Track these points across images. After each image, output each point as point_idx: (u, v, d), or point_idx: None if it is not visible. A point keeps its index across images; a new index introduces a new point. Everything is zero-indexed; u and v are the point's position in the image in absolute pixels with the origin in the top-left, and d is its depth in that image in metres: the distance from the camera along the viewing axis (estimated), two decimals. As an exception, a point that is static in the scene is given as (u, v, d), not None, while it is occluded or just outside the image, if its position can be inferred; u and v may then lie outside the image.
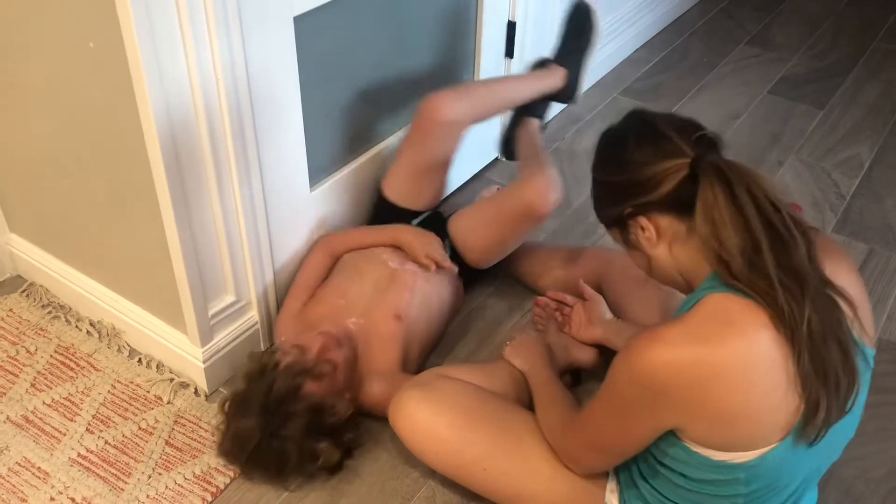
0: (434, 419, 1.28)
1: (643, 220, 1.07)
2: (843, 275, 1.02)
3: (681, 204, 1.03)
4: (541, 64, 1.82)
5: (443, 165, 1.71)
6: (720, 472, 1.02)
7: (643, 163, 1.04)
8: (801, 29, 3.00)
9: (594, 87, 2.59)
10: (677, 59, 2.76)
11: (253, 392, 1.35)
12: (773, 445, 0.99)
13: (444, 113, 1.61)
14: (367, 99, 1.72)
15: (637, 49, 2.80)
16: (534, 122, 1.80)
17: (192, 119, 1.30)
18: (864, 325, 1.02)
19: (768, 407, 0.97)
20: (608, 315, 1.55)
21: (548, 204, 1.51)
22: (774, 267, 0.94)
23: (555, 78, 1.78)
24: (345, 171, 1.72)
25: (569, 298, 1.61)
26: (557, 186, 1.54)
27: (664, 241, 1.08)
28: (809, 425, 0.97)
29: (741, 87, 2.62)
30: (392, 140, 1.81)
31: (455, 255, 1.64)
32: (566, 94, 1.80)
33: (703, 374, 0.94)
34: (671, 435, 1.03)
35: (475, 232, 1.63)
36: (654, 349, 0.96)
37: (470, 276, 1.70)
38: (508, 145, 1.86)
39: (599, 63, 2.61)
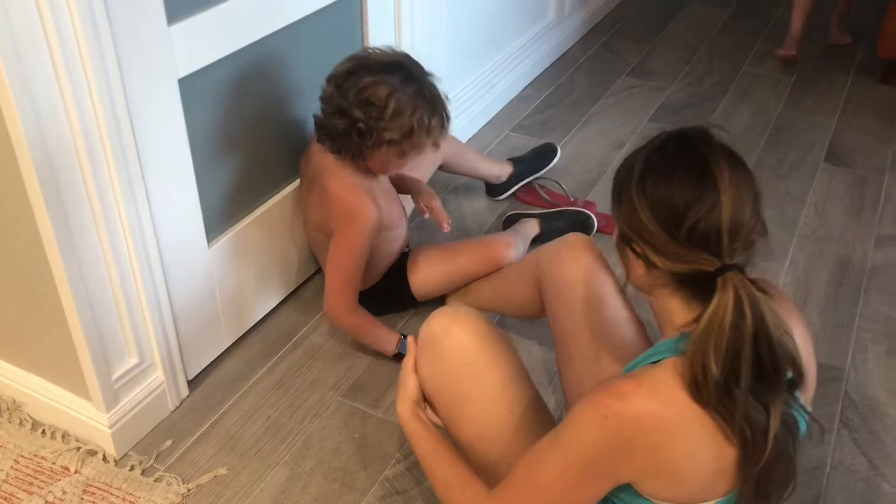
0: (482, 341, 1.28)
1: (641, 261, 1.03)
2: (796, 337, 1.03)
3: (682, 281, 1.00)
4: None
5: None
6: None
7: (682, 240, 0.97)
8: (678, 57, 3.19)
9: (487, 125, 2.69)
10: (564, 94, 2.90)
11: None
12: (713, 501, 1.04)
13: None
14: (261, 151, 1.75)
15: (525, 87, 2.92)
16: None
17: (78, 179, 1.31)
18: (808, 392, 1.07)
19: (709, 482, 1.00)
20: None
21: (508, 255, 1.82)
22: (744, 402, 0.94)
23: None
24: (242, 224, 1.74)
25: None
26: (518, 246, 1.86)
27: (648, 279, 1.05)
28: None
29: (624, 116, 2.77)
30: (288, 190, 1.85)
31: (398, 284, 1.84)
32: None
33: (663, 426, 0.96)
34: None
35: (433, 267, 1.83)
36: (621, 402, 0.96)
37: (404, 301, 1.88)
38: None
39: (491, 102, 2.72)
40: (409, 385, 1.31)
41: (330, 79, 1.64)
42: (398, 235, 1.82)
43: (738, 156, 1.01)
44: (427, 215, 1.86)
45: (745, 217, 0.97)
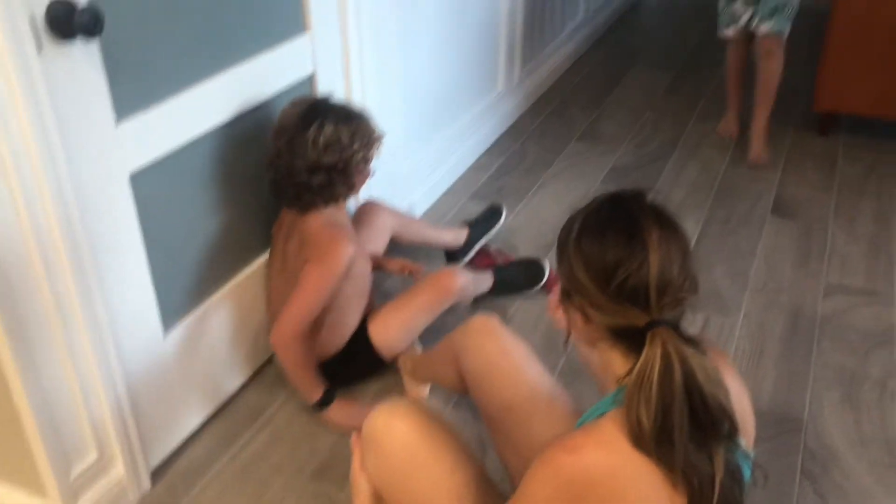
0: (423, 433, 1.29)
1: (580, 314, 1.08)
2: (732, 390, 1.06)
3: (618, 335, 1.05)
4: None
5: None
6: None
7: (613, 294, 1.02)
8: (626, 120, 3.29)
9: (445, 194, 2.75)
10: (517, 161, 2.97)
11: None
12: None
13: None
14: (216, 237, 1.77)
15: (480, 156, 2.99)
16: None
17: (31, 277, 1.32)
18: (748, 440, 1.10)
19: None
20: None
21: (456, 282, 1.92)
22: (683, 453, 0.97)
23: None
24: (200, 310, 1.74)
25: None
26: (465, 275, 1.98)
27: (587, 333, 1.09)
28: None
29: (576, 180, 2.84)
30: (246, 272, 1.86)
31: (363, 346, 1.88)
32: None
33: (613, 476, 0.99)
34: None
35: (391, 315, 1.90)
36: (573, 455, 0.99)
37: (371, 366, 1.93)
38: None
39: (448, 171, 2.78)
40: (361, 487, 1.32)
41: (276, 160, 1.72)
42: (365, 287, 1.88)
43: (670, 217, 1.06)
44: (407, 272, 2.08)
45: (673, 275, 1.02)
